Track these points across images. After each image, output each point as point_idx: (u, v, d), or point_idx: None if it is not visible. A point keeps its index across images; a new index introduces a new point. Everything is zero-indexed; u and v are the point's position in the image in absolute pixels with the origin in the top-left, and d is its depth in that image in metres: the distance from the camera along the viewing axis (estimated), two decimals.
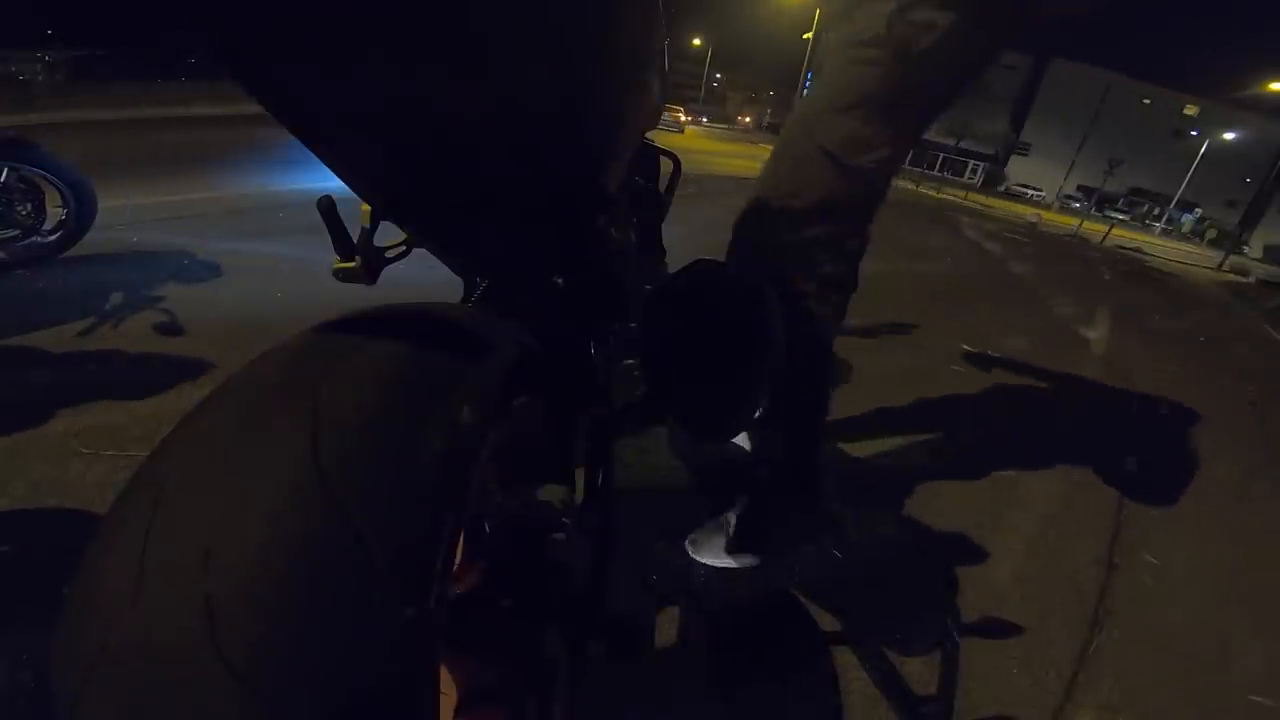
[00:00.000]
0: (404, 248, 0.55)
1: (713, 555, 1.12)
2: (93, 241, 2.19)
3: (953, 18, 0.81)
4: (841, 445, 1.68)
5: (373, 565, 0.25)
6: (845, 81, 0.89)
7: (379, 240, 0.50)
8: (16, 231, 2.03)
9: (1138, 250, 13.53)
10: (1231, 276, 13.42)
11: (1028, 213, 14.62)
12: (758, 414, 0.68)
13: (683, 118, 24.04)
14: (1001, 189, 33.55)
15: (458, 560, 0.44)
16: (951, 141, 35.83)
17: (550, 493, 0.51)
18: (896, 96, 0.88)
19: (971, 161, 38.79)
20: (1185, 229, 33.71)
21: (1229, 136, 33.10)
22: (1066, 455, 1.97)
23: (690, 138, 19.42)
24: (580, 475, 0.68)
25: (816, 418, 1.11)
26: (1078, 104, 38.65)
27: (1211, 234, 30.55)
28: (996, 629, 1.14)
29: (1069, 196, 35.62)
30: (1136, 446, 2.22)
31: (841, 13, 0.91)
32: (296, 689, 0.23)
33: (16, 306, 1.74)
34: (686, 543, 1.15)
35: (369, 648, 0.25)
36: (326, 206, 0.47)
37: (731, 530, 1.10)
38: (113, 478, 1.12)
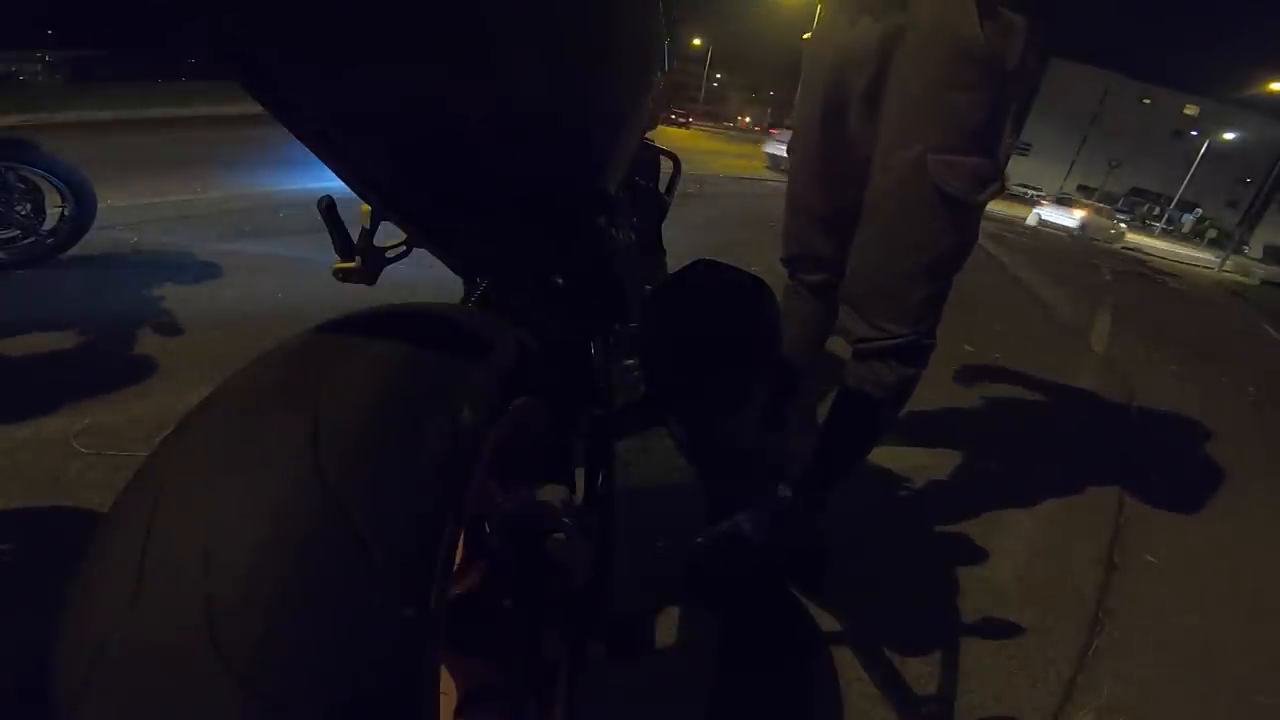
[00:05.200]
0: (404, 248, 0.55)
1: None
2: (93, 241, 2.19)
3: (1023, 19, 0.78)
4: None
5: (373, 565, 0.25)
6: (947, 112, 0.82)
7: (379, 240, 0.50)
8: (16, 231, 2.02)
9: (1138, 251, 13.53)
10: (1232, 276, 13.41)
11: (1028, 214, 14.62)
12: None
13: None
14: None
15: (458, 560, 0.44)
16: None
17: (550, 493, 0.51)
18: (1000, 119, 0.83)
19: None
20: (1185, 229, 33.69)
21: (1229, 136, 33.07)
22: (1067, 455, 1.97)
23: (694, 136, 19.79)
24: (580, 475, 0.68)
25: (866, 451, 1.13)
26: (1078, 104, 38.68)
27: (1212, 234, 30.55)
28: (996, 629, 1.14)
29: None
30: (1137, 446, 2.22)
31: (916, 28, 0.81)
32: (296, 689, 0.23)
33: (16, 306, 1.74)
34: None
35: (369, 648, 0.25)
36: (326, 206, 0.47)
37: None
38: (112, 478, 1.12)
